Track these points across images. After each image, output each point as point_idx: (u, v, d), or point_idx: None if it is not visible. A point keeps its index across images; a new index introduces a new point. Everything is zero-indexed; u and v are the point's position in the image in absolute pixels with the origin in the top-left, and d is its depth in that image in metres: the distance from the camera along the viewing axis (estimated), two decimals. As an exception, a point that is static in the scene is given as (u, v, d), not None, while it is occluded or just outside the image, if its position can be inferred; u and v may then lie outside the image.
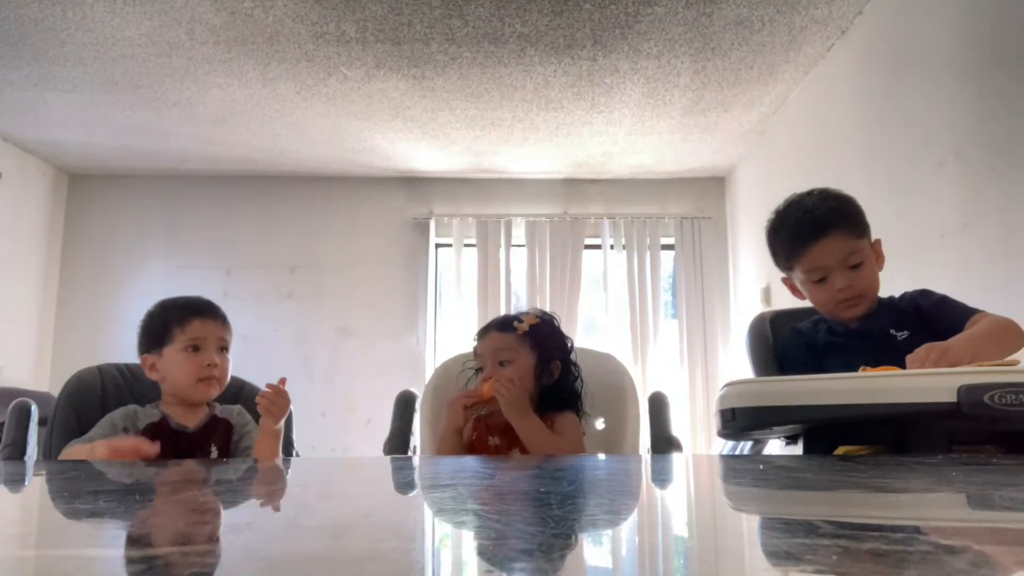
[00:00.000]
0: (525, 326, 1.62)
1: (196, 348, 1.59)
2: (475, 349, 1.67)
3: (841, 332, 1.51)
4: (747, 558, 0.46)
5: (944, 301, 1.51)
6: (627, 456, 1.61)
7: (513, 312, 1.73)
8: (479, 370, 1.67)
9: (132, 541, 0.51)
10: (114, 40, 3.33)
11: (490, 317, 4.91)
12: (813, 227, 1.48)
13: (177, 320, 1.61)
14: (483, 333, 1.67)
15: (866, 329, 1.50)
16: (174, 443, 1.55)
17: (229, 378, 1.65)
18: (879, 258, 1.54)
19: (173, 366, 1.59)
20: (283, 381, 1.62)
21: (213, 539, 0.51)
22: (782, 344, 1.61)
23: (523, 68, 3.59)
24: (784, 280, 1.62)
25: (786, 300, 1.68)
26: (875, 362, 1.24)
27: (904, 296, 1.57)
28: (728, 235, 5.07)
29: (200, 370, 1.58)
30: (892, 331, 1.47)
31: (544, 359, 1.62)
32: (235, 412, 1.68)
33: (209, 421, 1.63)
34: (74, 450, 1.48)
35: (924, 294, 1.54)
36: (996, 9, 2.30)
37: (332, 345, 5.02)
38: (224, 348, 1.64)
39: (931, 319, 1.47)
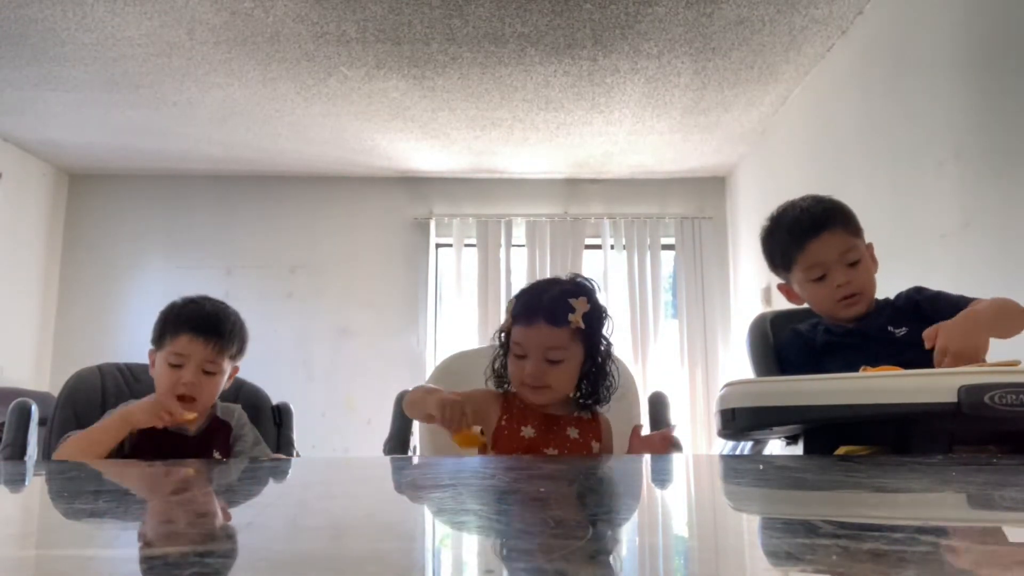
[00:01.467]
0: (579, 319, 1.40)
1: (178, 364, 1.53)
2: (510, 329, 1.45)
3: (839, 332, 1.51)
4: (747, 558, 0.46)
5: (940, 294, 1.52)
6: (627, 456, 1.60)
7: (550, 280, 1.49)
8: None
9: (132, 541, 0.51)
10: (114, 40, 3.33)
11: (490, 317, 4.85)
12: (812, 223, 1.50)
13: (172, 328, 1.55)
14: (528, 319, 1.41)
15: (864, 328, 1.49)
16: (172, 448, 1.51)
17: (214, 397, 1.58)
18: (873, 262, 1.55)
19: (157, 373, 1.55)
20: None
21: (213, 539, 0.51)
22: (782, 345, 1.61)
23: (523, 68, 3.59)
24: (780, 287, 1.61)
25: (786, 301, 1.68)
26: (874, 360, 1.24)
27: (899, 295, 1.57)
28: (728, 235, 5.07)
29: (175, 386, 1.52)
30: (890, 328, 1.47)
31: (591, 353, 1.45)
32: (236, 413, 1.64)
33: (210, 424, 1.59)
34: (75, 443, 1.46)
35: (919, 290, 1.55)
36: (996, 9, 2.30)
37: (332, 345, 5.02)
38: (211, 371, 1.54)
39: (928, 312, 1.47)
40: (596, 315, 1.44)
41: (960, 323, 1.27)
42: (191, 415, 1.50)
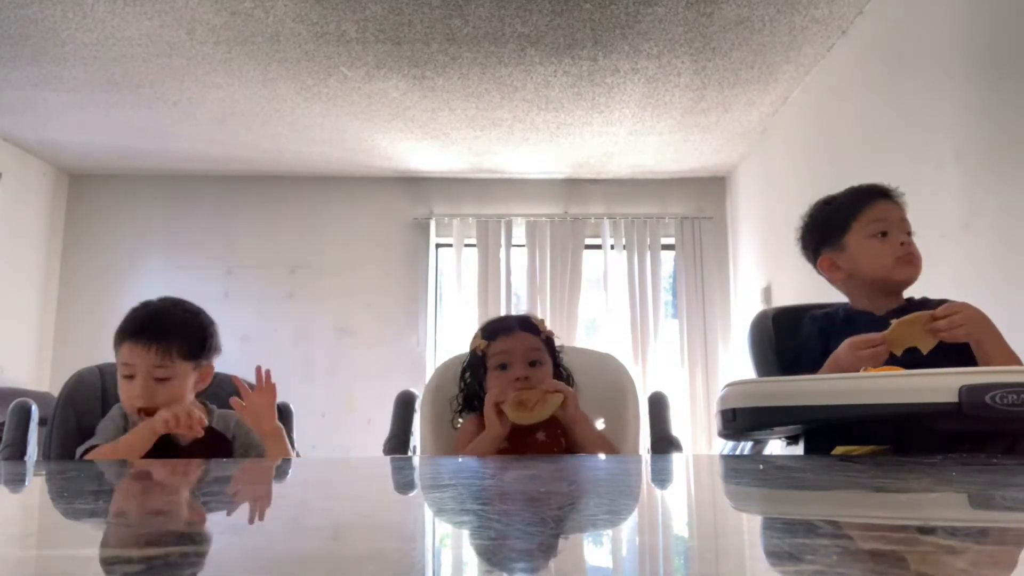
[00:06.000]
0: (546, 328, 1.65)
1: (128, 376, 1.46)
2: (487, 347, 1.61)
3: (864, 323, 1.44)
4: (747, 558, 0.46)
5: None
6: (627, 456, 1.61)
7: (506, 313, 1.71)
8: (477, 369, 1.65)
9: (132, 541, 0.51)
10: (114, 40, 3.33)
11: (491, 317, 4.90)
12: (878, 188, 1.58)
13: (118, 340, 1.49)
14: (506, 331, 1.61)
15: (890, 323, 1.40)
16: (164, 456, 1.44)
17: (187, 397, 1.51)
18: None
19: (119, 387, 1.49)
20: (267, 374, 1.53)
21: (213, 539, 0.51)
22: (803, 336, 1.56)
23: (523, 68, 3.59)
24: (822, 262, 1.56)
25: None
26: (893, 362, 1.22)
27: (925, 301, 1.50)
28: (728, 235, 5.06)
29: (130, 399, 1.46)
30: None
31: (555, 360, 1.64)
32: (233, 422, 1.57)
33: (205, 435, 1.50)
34: (102, 452, 1.42)
35: None
36: (997, 9, 2.30)
37: (332, 345, 5.02)
38: (161, 377, 1.45)
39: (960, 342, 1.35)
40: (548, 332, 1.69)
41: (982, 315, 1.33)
42: (198, 430, 1.44)
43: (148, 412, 1.45)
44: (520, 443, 1.54)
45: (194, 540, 0.49)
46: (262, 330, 4.92)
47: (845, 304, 1.57)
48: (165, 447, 1.48)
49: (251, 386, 1.59)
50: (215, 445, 1.53)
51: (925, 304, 1.49)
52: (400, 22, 3.17)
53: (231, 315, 4.72)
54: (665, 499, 0.81)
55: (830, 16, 3.12)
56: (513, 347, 1.58)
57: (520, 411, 1.49)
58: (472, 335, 1.69)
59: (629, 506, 0.70)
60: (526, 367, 1.56)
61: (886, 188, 1.58)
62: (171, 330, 1.48)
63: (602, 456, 1.47)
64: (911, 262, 1.49)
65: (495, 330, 1.63)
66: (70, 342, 4.94)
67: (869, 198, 1.55)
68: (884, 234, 1.50)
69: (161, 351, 1.46)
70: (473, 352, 1.66)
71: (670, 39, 3.30)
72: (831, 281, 1.59)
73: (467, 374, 1.67)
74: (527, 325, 1.63)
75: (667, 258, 5.18)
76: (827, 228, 1.58)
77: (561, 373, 1.65)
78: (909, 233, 1.53)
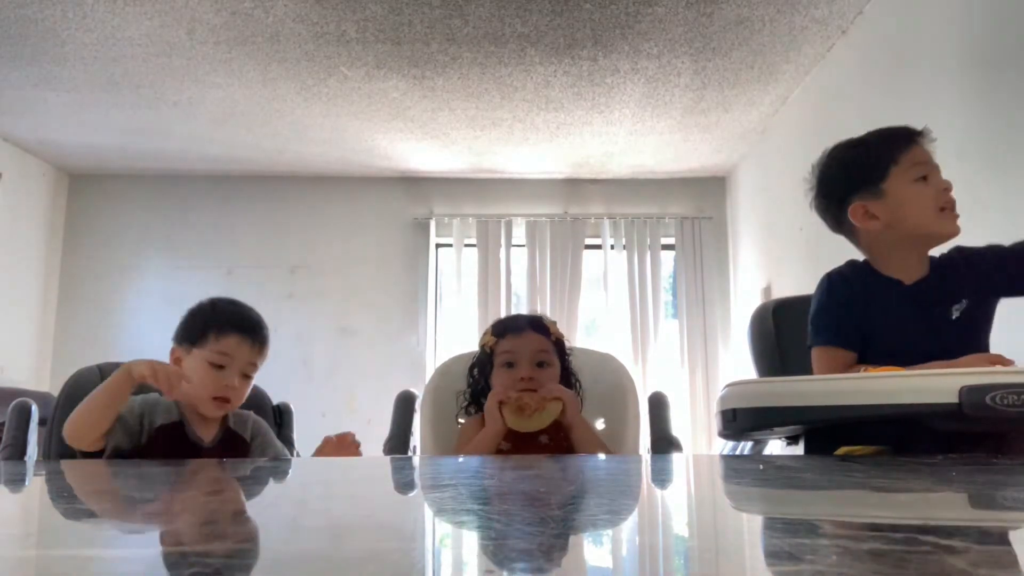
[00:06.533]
0: (558, 330, 1.65)
1: (221, 365, 1.51)
2: (495, 344, 1.62)
3: (892, 294, 1.36)
4: (747, 558, 0.46)
5: (989, 248, 1.44)
6: (627, 456, 1.61)
7: (512, 312, 1.71)
8: (484, 366, 1.65)
9: (131, 541, 0.51)
10: (114, 40, 3.33)
11: (490, 317, 4.89)
12: (913, 130, 1.44)
13: (217, 327, 1.53)
14: (516, 330, 1.61)
15: (923, 296, 1.37)
16: (187, 456, 1.47)
17: (242, 401, 1.58)
18: None
19: (193, 373, 1.51)
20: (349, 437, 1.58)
21: (212, 539, 0.51)
22: (825, 294, 1.42)
23: (523, 68, 3.59)
24: (855, 209, 1.41)
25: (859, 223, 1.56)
26: (927, 341, 1.20)
27: (944, 263, 1.44)
28: (728, 235, 5.06)
29: (217, 389, 1.50)
30: (952, 306, 1.36)
31: (565, 366, 1.64)
32: (251, 422, 1.61)
33: (224, 436, 1.56)
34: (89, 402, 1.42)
35: (961, 250, 1.45)
36: (996, 9, 2.30)
37: (332, 345, 5.02)
38: (249, 374, 1.55)
39: (987, 270, 1.37)
40: (561, 337, 1.68)
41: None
42: (177, 393, 1.46)
43: (223, 404, 1.52)
44: (523, 445, 1.54)
45: (193, 540, 0.49)
46: (262, 330, 4.91)
47: (864, 263, 1.44)
48: (191, 443, 1.51)
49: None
50: (233, 445, 1.56)
51: (940, 269, 1.42)
52: (400, 22, 3.17)
53: (231, 315, 4.72)
54: (665, 499, 0.81)
55: (830, 16, 3.12)
56: (520, 347, 1.58)
57: (519, 417, 1.49)
58: (483, 331, 1.70)
59: (629, 506, 0.70)
60: (532, 367, 1.56)
61: (920, 129, 1.43)
62: (267, 335, 1.60)
63: (602, 456, 1.47)
64: (953, 216, 1.38)
65: (505, 328, 1.64)
66: (70, 342, 4.93)
67: (907, 140, 1.41)
68: (924, 179, 1.38)
69: (258, 350, 1.56)
70: (482, 348, 1.66)
71: (670, 39, 3.30)
72: (858, 233, 1.43)
73: (475, 370, 1.67)
74: (538, 326, 1.63)
75: (667, 258, 5.18)
76: (860, 173, 1.44)
77: (570, 376, 1.65)
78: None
